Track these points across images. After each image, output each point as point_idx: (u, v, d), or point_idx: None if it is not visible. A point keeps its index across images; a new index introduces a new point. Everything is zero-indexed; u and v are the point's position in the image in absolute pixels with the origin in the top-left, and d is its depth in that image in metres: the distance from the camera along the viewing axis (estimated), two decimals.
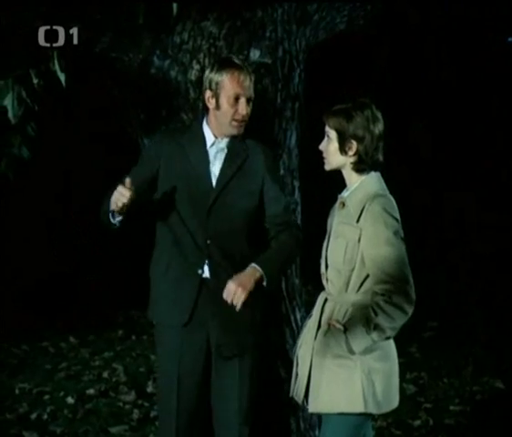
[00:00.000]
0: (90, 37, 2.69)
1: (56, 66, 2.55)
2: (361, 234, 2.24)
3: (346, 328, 2.21)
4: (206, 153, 2.47)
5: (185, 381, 2.48)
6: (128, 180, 2.30)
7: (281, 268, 2.51)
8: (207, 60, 2.76)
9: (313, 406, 2.31)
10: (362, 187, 2.30)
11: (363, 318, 2.19)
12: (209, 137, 2.48)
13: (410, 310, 2.19)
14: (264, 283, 2.38)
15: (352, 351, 2.20)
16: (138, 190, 2.36)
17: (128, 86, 2.85)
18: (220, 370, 2.49)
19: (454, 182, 6.96)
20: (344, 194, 2.35)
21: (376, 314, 2.17)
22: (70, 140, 6.15)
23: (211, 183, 2.46)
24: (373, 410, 2.25)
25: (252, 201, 2.48)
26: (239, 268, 2.41)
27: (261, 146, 2.53)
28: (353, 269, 2.26)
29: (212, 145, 2.48)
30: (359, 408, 2.23)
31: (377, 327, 2.17)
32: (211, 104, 2.46)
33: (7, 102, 2.57)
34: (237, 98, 2.42)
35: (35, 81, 2.59)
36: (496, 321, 5.33)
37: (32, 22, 2.57)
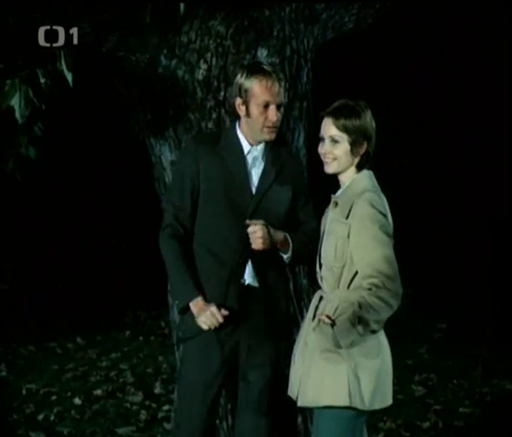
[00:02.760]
0: (97, 36, 2.69)
1: (63, 66, 2.54)
2: (350, 230, 2.25)
3: (334, 323, 2.22)
4: (245, 160, 2.47)
5: (209, 390, 2.46)
6: (225, 312, 2.35)
7: (304, 254, 2.50)
8: (214, 59, 2.75)
9: (301, 400, 2.32)
10: (352, 184, 2.32)
11: (350, 312, 2.21)
12: (244, 144, 2.48)
13: (395, 304, 2.21)
14: (286, 256, 2.44)
15: (339, 346, 2.22)
16: (188, 207, 2.44)
17: (135, 86, 2.84)
18: (248, 376, 2.48)
19: (461, 179, 6.93)
20: (337, 193, 2.36)
21: (361, 307, 2.19)
22: (77, 140, 6.15)
23: (252, 191, 2.46)
24: (358, 405, 2.24)
25: (288, 207, 2.50)
26: (274, 271, 2.46)
27: (295, 159, 2.59)
28: (343, 266, 2.28)
29: (248, 152, 2.48)
30: (343, 402, 2.23)
31: (362, 320, 2.19)
32: (242, 111, 2.45)
33: (14, 102, 2.57)
34: (266, 106, 2.42)
35: (43, 81, 2.58)
36: (506, 322, 5.29)
37: (39, 21, 2.57)
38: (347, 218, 2.27)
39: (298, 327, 2.88)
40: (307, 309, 2.92)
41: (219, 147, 2.47)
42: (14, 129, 2.74)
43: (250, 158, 2.47)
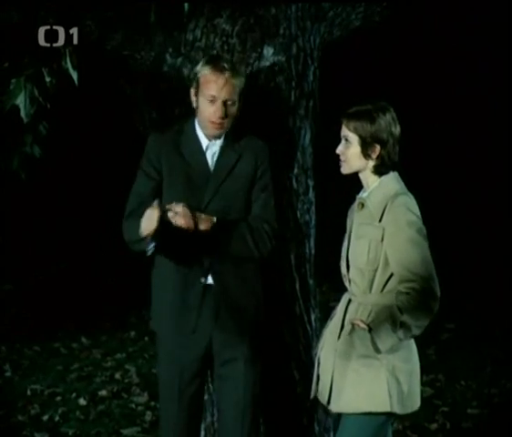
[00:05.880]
0: (102, 35, 2.67)
1: (69, 64, 2.53)
2: (384, 233, 2.24)
3: (371, 327, 2.20)
4: (204, 155, 2.45)
5: (186, 388, 2.46)
6: (156, 202, 2.26)
7: (236, 241, 2.40)
8: None
9: (337, 406, 2.29)
10: (381, 187, 2.29)
11: (388, 317, 2.19)
12: (203, 139, 2.46)
13: (436, 307, 2.19)
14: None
15: (378, 350, 2.19)
16: (153, 193, 2.37)
17: (140, 84, 2.83)
18: (223, 375, 2.47)
19: (467, 179, 6.89)
20: (363, 195, 2.33)
21: (402, 312, 2.17)
22: (81, 139, 6.15)
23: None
24: (397, 409, 2.24)
25: (248, 200, 2.46)
26: (241, 269, 2.42)
27: (255, 143, 2.49)
28: (376, 269, 2.25)
29: (207, 148, 2.46)
30: (385, 407, 2.22)
31: (403, 325, 2.17)
32: (194, 102, 2.44)
33: (20, 101, 2.56)
34: (212, 100, 2.38)
35: (48, 79, 2.57)
36: None
37: (43, 19, 2.56)
38: (380, 220, 2.24)
39: (304, 327, 2.86)
40: (313, 310, 2.91)
41: (180, 146, 2.45)
42: (19, 128, 2.73)
43: (209, 154, 2.45)
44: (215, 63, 2.41)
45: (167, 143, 2.47)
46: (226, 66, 2.41)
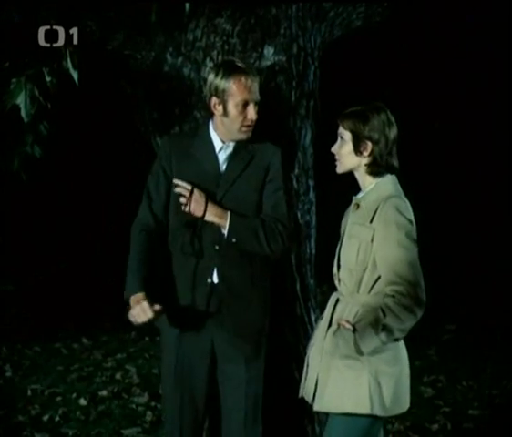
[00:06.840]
0: (103, 35, 2.67)
1: (69, 64, 2.53)
2: (373, 234, 2.24)
3: (356, 328, 2.20)
4: (216, 158, 2.47)
5: (188, 386, 2.46)
6: (158, 307, 2.32)
7: (247, 235, 2.42)
8: (220, 58, 2.73)
9: (319, 405, 2.30)
10: (376, 188, 2.30)
11: (372, 318, 2.18)
12: (217, 142, 2.47)
13: (419, 313, 2.18)
14: (224, 232, 2.40)
15: (360, 352, 2.19)
16: (163, 198, 2.45)
17: (140, 84, 2.82)
18: (225, 375, 2.47)
19: (467, 180, 6.89)
20: (359, 196, 2.34)
21: (385, 315, 2.17)
22: (82, 140, 6.15)
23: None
24: (379, 412, 2.23)
25: (259, 202, 2.47)
26: (248, 270, 2.42)
27: (268, 145, 2.51)
28: (365, 270, 2.25)
29: (220, 150, 2.47)
30: (365, 409, 2.21)
31: (386, 328, 2.16)
32: (218, 111, 2.43)
33: (20, 100, 2.56)
34: (245, 104, 2.40)
35: (48, 79, 2.57)
36: None
37: (44, 20, 2.56)
38: (371, 221, 2.25)
39: (304, 328, 2.86)
40: (314, 310, 2.91)
41: (192, 148, 2.47)
42: (19, 128, 2.73)
43: (222, 156, 2.47)
44: (239, 68, 2.41)
45: (178, 145, 2.49)
46: (247, 68, 2.43)
